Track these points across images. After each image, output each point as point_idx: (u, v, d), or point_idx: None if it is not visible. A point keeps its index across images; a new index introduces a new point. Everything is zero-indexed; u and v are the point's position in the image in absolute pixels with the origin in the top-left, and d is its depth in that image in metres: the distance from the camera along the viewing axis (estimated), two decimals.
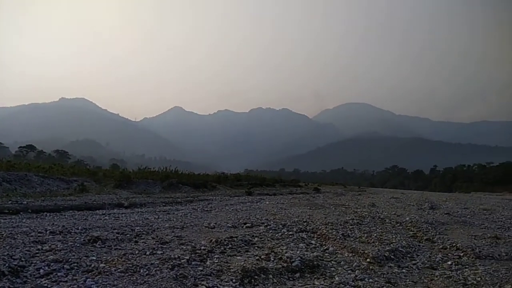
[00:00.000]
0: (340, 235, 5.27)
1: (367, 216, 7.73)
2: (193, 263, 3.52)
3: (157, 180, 15.93)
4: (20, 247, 3.78)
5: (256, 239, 4.85)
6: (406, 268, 3.85)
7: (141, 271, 3.19)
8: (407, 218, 7.39)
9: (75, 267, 3.20)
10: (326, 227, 5.89)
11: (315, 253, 4.15)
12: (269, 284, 3.20)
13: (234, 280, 3.12)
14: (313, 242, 4.88)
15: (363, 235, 5.43)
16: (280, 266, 3.57)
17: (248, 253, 4.13)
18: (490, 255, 4.43)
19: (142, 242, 4.38)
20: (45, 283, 2.82)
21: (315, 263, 3.74)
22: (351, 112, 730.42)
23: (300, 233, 5.39)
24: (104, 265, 3.30)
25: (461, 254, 4.47)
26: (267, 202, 10.99)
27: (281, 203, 10.70)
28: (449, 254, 4.49)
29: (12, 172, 11.74)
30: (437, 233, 5.96)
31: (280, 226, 5.94)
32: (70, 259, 3.38)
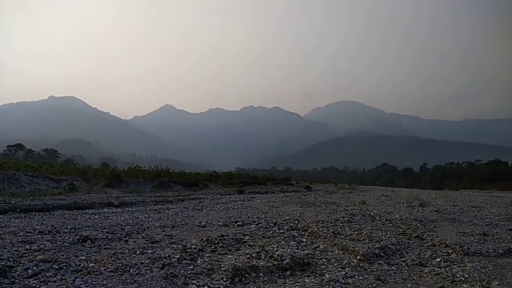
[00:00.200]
0: (331, 233, 5.30)
1: (357, 213, 7.79)
2: (183, 262, 3.51)
3: (148, 179, 15.83)
4: (8, 247, 3.73)
5: (247, 237, 4.85)
6: (396, 265, 3.89)
7: (131, 270, 3.17)
8: (397, 216, 7.46)
9: (64, 267, 3.17)
10: (317, 225, 5.91)
11: (305, 251, 4.16)
12: (259, 282, 3.20)
13: (224, 279, 3.12)
14: (304, 240, 4.91)
15: (353, 232, 5.47)
16: (271, 264, 3.58)
17: (239, 251, 4.13)
18: (478, 252, 4.49)
19: (132, 241, 4.35)
20: (33, 284, 2.78)
21: (306, 261, 3.75)
22: (342, 110, 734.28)
23: (291, 231, 5.41)
24: (93, 264, 3.27)
25: (450, 251, 4.53)
26: (259, 201, 11.01)
27: (273, 202, 10.73)
28: (438, 251, 4.55)
29: (0, 171, 11.55)
30: (427, 230, 6.03)
31: (271, 224, 5.96)
32: (59, 259, 3.35)
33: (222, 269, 3.34)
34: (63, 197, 9.61)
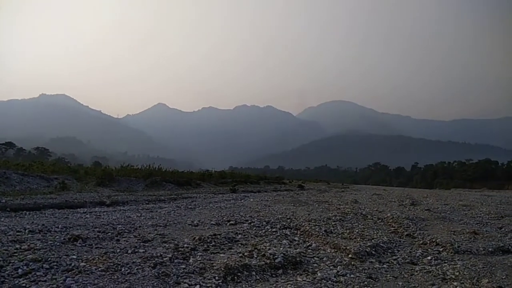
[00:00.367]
0: (323, 232, 5.32)
1: (349, 212, 7.83)
2: (175, 261, 3.50)
3: (140, 177, 15.74)
4: None
5: (239, 236, 4.85)
6: (387, 264, 3.91)
7: (123, 269, 3.15)
8: (389, 214, 7.52)
9: (55, 266, 3.13)
10: (309, 224, 5.94)
11: (298, 250, 4.18)
12: (252, 281, 3.20)
13: (217, 278, 3.12)
14: (296, 238, 4.92)
15: (345, 231, 5.50)
16: (263, 263, 3.58)
17: (232, 250, 4.13)
18: (469, 250, 4.54)
19: (124, 240, 4.32)
20: (23, 283, 2.75)
21: (298, 259, 3.76)
22: (335, 110, 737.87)
23: (283, 230, 5.43)
24: (84, 264, 3.24)
25: (441, 249, 4.58)
26: (251, 200, 11.01)
27: (265, 200, 10.74)
28: (429, 249, 4.59)
29: None
30: (418, 228, 6.08)
31: (263, 223, 5.97)
32: (49, 258, 3.31)
33: (215, 268, 3.34)
34: (54, 196, 9.51)
